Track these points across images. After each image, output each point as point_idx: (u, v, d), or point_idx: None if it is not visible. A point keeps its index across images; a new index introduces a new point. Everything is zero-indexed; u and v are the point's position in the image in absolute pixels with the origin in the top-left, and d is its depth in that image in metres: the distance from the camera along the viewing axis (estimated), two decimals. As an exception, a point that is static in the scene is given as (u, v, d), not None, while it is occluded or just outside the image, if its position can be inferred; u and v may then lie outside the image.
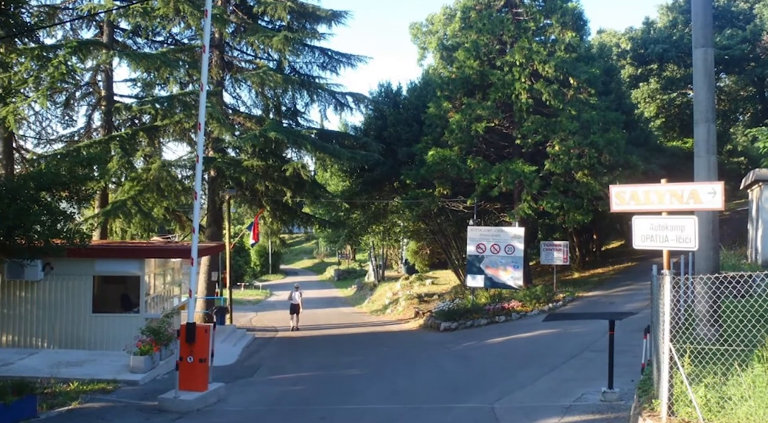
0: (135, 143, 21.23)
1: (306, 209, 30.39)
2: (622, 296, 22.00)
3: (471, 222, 24.01)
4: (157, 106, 20.37)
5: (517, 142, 23.50)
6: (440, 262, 37.76)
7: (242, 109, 24.93)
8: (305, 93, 23.67)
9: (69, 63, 18.61)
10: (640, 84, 37.45)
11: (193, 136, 22.16)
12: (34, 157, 20.70)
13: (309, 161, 24.32)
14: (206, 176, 22.77)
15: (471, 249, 22.76)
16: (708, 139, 10.03)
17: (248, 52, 24.44)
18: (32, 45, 19.30)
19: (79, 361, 13.31)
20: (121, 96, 23.40)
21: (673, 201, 7.19)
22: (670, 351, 6.45)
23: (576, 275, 28.96)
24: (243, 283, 47.63)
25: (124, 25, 22.07)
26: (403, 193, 27.42)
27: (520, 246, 22.35)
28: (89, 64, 21.30)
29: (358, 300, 37.97)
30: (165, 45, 23.83)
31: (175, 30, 23.15)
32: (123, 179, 21.72)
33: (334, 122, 44.79)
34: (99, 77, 22.56)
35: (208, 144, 22.13)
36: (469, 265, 23.00)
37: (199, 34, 22.21)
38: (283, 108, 24.91)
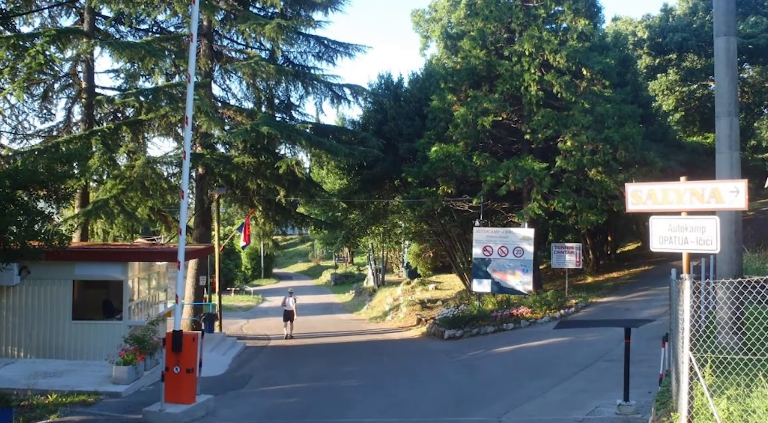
0: (118, 138, 21.22)
1: (301, 209, 30.38)
2: (639, 302, 22.01)
3: (477, 223, 24.01)
4: (142, 98, 20.35)
5: (527, 137, 23.50)
6: (444, 266, 37.76)
7: (232, 102, 24.96)
8: (300, 85, 23.68)
9: (47, 53, 18.59)
10: (658, 75, 37.45)
11: (179, 130, 22.16)
12: (10, 154, 20.69)
13: (304, 158, 24.32)
14: (194, 174, 22.77)
15: (477, 251, 22.76)
16: (730, 134, 10.05)
17: (239, 41, 24.45)
18: (8, 33, 19.30)
19: (58, 371, 13.30)
20: (103, 88, 23.56)
21: (693, 200, 7.19)
22: (690, 360, 6.45)
23: (589, 280, 28.96)
24: (233, 288, 47.65)
25: (105, 12, 22.04)
26: (405, 192, 27.42)
27: (530, 248, 22.35)
28: (69, 53, 21.30)
29: (357, 306, 37.99)
30: (150, 33, 23.82)
31: (160, 17, 23.15)
32: (105, 177, 21.71)
33: (330, 116, 44.95)
34: (79, 68, 22.54)
35: (196, 139, 22.11)
36: (474, 268, 23.00)
37: (186, 21, 22.21)
38: (276, 101, 24.92)
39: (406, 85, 30.47)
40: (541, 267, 29.17)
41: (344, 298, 44.16)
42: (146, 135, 23.02)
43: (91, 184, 22.05)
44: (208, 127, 20.95)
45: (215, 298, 23.73)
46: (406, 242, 40.92)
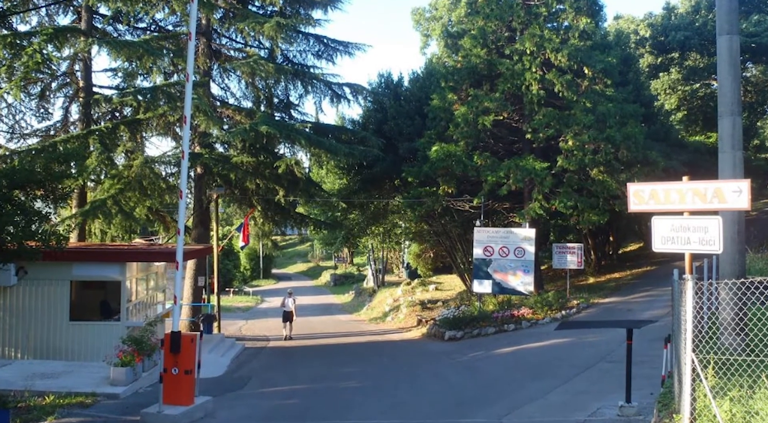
0: (115, 138, 21.22)
1: (300, 209, 30.37)
2: (641, 303, 22.01)
3: (478, 223, 24.01)
4: (140, 97, 20.36)
5: (528, 136, 23.50)
6: (444, 267, 37.78)
7: (231, 101, 24.97)
8: (299, 84, 23.68)
9: (44, 51, 18.58)
10: (660, 74, 37.46)
11: (178, 130, 22.17)
12: (7, 153, 20.68)
13: (303, 157, 24.33)
14: (192, 173, 22.76)
15: (478, 252, 22.76)
16: (733, 134, 10.06)
17: (238, 39, 24.47)
18: (4, 32, 19.29)
19: (55, 372, 13.30)
20: (101, 87, 23.42)
21: (695, 200, 7.20)
22: (693, 362, 6.45)
23: (591, 280, 28.96)
24: (232, 289, 47.67)
25: (103, 10, 22.06)
26: (405, 192, 27.43)
27: (531, 249, 22.35)
28: (66, 52, 21.27)
29: (356, 307, 38.00)
30: (148, 32, 23.82)
31: (158, 16, 23.15)
32: (102, 177, 21.71)
33: (330, 115, 45.04)
34: (77, 67, 22.54)
35: (195, 139, 22.11)
36: (475, 269, 23.00)
37: (184, 20, 22.20)
38: (275, 100, 24.92)
39: (406, 84, 30.47)
40: (542, 267, 29.17)
41: (344, 298, 44.16)
42: (144, 134, 23.04)
43: (88, 183, 22.05)
44: (206, 126, 20.95)
45: (214, 299, 23.72)
46: (407, 242, 40.94)
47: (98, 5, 21.25)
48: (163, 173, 22.18)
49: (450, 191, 24.24)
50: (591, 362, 14.22)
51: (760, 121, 40.69)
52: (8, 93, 19.06)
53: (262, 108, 24.15)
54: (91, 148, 20.18)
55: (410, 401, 12.03)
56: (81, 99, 22.02)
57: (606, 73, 22.93)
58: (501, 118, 23.77)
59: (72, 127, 22.84)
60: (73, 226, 20.36)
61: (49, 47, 19.13)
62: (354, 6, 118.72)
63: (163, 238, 27.20)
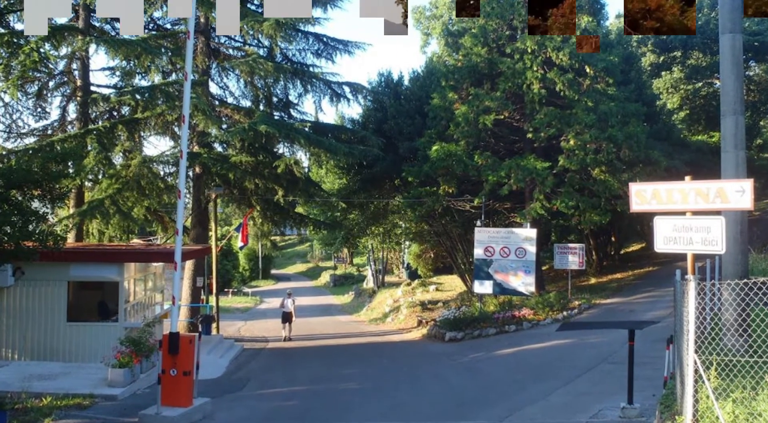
0: (113, 137, 21.22)
1: (299, 209, 30.38)
2: (643, 303, 22.01)
3: (478, 223, 24.01)
4: (138, 96, 20.36)
5: (529, 136, 23.49)
6: (445, 267, 37.77)
7: (230, 100, 24.96)
8: (298, 82, 23.68)
9: (42, 50, 18.60)
10: (663, 73, 37.43)
11: (176, 129, 22.16)
12: (4, 153, 20.69)
13: (302, 157, 24.35)
14: (191, 173, 22.77)
15: (478, 252, 22.76)
16: (736, 133, 10.06)
17: (237, 38, 24.42)
18: (1, 30, 19.30)
19: (52, 373, 13.31)
20: (99, 86, 23.40)
21: (698, 200, 7.20)
22: (695, 363, 6.45)
23: (593, 281, 28.95)
24: (231, 290, 47.67)
25: (101, 8, 22.02)
26: (405, 192, 27.43)
27: (532, 249, 22.34)
28: (64, 51, 21.27)
29: (356, 308, 37.99)
30: (146, 31, 23.80)
31: (156, 14, 23.14)
32: (100, 176, 21.71)
33: (329, 114, 45.10)
34: (74, 66, 22.53)
35: (193, 138, 22.11)
36: (476, 269, 23.00)
37: (183, 18, 22.18)
38: (275, 99, 24.92)
39: (406, 83, 30.45)
40: (543, 268, 29.15)
41: (343, 299, 44.15)
42: (142, 134, 23.01)
43: (86, 183, 22.04)
44: (205, 125, 20.95)
45: (212, 300, 23.73)
46: (407, 243, 40.92)
47: (96, 4, 21.21)
48: (162, 173, 22.20)
49: (450, 191, 24.23)
50: (593, 363, 14.22)
51: (763, 120, 40.65)
52: (5, 92, 19.08)
53: (261, 107, 24.15)
54: (89, 148, 20.17)
55: (410, 402, 12.04)
56: (78, 98, 22.00)
57: (608, 72, 22.92)
58: (502, 117, 23.77)
59: (69, 127, 22.83)
60: (70, 226, 20.37)
61: (47, 46, 19.14)
62: (354, 4, 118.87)
63: (161, 238, 27.22)
